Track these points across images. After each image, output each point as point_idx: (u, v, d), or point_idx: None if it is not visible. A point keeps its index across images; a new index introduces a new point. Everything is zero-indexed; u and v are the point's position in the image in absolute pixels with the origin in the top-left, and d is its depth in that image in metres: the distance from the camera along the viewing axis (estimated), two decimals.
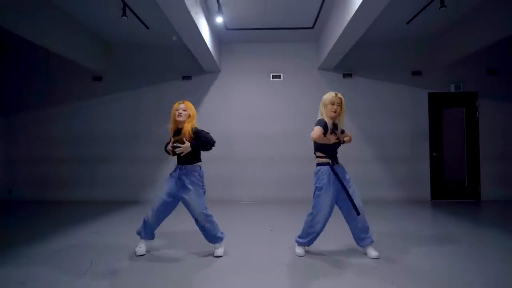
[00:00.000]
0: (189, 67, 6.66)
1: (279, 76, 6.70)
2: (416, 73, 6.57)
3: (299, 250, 3.25)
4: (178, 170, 3.25)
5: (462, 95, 6.52)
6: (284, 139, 6.54)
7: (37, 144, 6.77)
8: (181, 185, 3.19)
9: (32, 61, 6.79)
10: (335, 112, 3.11)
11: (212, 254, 3.24)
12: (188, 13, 4.13)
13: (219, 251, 3.24)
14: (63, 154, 6.72)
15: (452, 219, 4.87)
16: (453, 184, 6.51)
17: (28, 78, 6.83)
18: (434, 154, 6.49)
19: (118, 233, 4.15)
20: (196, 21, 4.48)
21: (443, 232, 4.11)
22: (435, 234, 4.02)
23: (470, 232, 4.12)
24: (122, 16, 4.97)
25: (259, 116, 6.63)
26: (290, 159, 6.52)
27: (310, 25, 5.91)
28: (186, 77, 6.70)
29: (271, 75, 6.70)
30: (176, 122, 3.28)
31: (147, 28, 5.86)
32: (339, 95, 3.15)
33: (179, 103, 3.29)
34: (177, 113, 3.23)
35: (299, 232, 3.30)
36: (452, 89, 6.50)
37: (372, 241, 3.16)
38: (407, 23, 5.72)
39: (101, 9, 5.26)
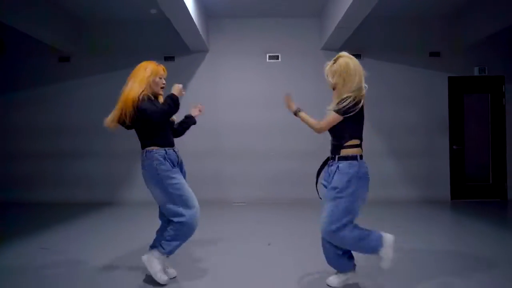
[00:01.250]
0: (172, 46, 5.76)
1: (277, 57, 5.84)
2: (434, 54, 5.77)
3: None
4: (175, 152, 2.40)
5: (487, 79, 5.75)
6: (282, 130, 5.67)
7: None
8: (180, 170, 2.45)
9: None
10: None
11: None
12: None
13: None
14: (24, 148, 5.80)
15: (476, 222, 4.24)
16: (476, 181, 5.78)
17: None
18: (454, 147, 5.71)
19: (77, 248, 3.27)
20: None
21: (467, 240, 3.48)
22: (456, 243, 3.45)
23: (500, 240, 3.43)
24: None
25: (253, 104, 5.75)
26: (288, 153, 5.71)
27: None
28: (169, 58, 5.78)
29: (267, 55, 5.84)
30: (154, 92, 2.39)
31: None
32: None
33: (163, 69, 2.45)
34: (161, 82, 2.40)
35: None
36: (476, 73, 5.73)
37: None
38: None
39: None
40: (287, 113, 5.53)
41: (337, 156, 2.17)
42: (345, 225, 2.04)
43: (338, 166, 2.13)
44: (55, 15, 5.20)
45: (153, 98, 2.34)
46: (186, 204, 2.25)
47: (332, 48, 5.72)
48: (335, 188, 2.09)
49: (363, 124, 2.24)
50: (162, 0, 3.99)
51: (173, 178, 2.27)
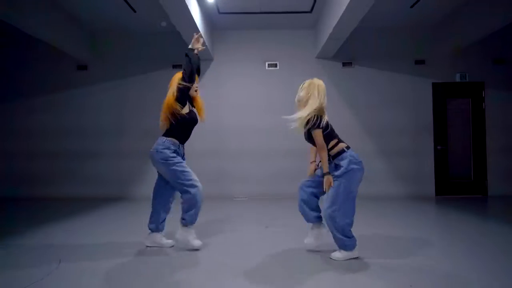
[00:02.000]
0: (180, 55, 6.13)
1: (275, 65, 6.33)
2: (420, 62, 6.25)
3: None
4: (181, 148, 3.01)
5: (468, 85, 6.19)
6: (280, 132, 6.07)
7: (15, 137, 6.35)
8: None
9: (11, 49, 6.36)
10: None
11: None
12: None
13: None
14: (44, 148, 6.31)
15: (458, 216, 4.56)
16: (459, 179, 6.19)
17: (5, 68, 6.40)
18: (438, 147, 6.15)
19: (95, 232, 3.73)
20: (186, 0, 4.11)
21: (451, 231, 3.83)
22: (442, 233, 3.76)
23: (479, 229, 3.77)
24: None
25: (253, 108, 6.26)
26: (286, 153, 6.15)
27: (308, 9, 5.55)
28: (177, 66, 6.31)
29: (266, 63, 6.34)
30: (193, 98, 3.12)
31: (134, 11, 5.47)
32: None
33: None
34: (195, 87, 3.09)
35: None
36: (457, 79, 6.18)
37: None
38: (411, 6, 5.37)
39: None
40: (284, 117, 6.10)
41: (330, 157, 2.67)
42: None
43: (334, 164, 2.66)
44: (74, 27, 5.77)
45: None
46: (190, 179, 2.80)
47: (326, 57, 6.24)
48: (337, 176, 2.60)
49: (333, 129, 2.74)
50: (173, 16, 4.54)
51: (176, 159, 2.85)
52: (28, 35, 5.05)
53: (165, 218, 3.06)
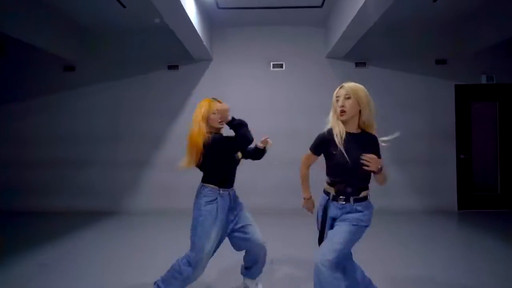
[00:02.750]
0: (176, 55, 5.72)
1: (281, 66, 5.76)
2: (441, 61, 5.64)
3: None
4: (229, 194, 2.46)
5: (495, 87, 5.59)
6: (285, 138, 5.56)
7: None
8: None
9: None
10: (343, 111, 2.07)
11: None
12: None
13: None
14: (27, 157, 5.80)
15: (484, 234, 4.13)
16: (484, 191, 5.60)
17: None
18: (461, 156, 5.57)
19: (76, 267, 3.23)
20: None
21: (476, 253, 3.42)
22: (464, 254, 3.37)
23: (508, 250, 3.38)
24: None
25: (256, 112, 5.66)
26: (292, 162, 5.54)
27: (319, 4, 4.96)
28: (172, 66, 5.76)
29: (271, 64, 5.76)
30: (215, 128, 2.43)
31: (124, 6, 4.91)
32: (346, 84, 2.13)
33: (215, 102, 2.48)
34: (217, 118, 2.39)
35: None
36: (483, 81, 5.58)
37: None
38: (434, 0, 4.76)
39: None
40: (290, 121, 5.56)
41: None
42: None
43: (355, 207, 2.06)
44: (59, 25, 5.22)
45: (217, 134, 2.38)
46: (193, 244, 2.23)
47: (337, 56, 5.66)
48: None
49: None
50: (165, 12, 3.97)
51: (205, 217, 2.24)
52: (3, 33, 4.52)
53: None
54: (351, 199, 2.03)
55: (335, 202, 2.07)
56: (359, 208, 2.02)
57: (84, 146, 5.76)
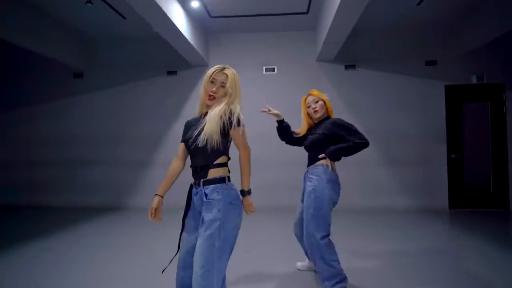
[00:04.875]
0: (174, 61, 6.08)
1: (273, 69, 6.01)
2: (431, 62, 5.71)
3: None
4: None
5: (486, 87, 5.60)
6: (278, 140, 5.75)
7: (11, 146, 6.42)
8: None
9: (6, 60, 6.41)
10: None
11: None
12: None
13: None
14: (40, 157, 6.31)
15: (476, 234, 4.11)
16: (476, 191, 5.59)
17: (2, 78, 6.48)
18: (452, 156, 5.61)
19: (77, 250, 3.60)
20: (161, 5, 3.86)
21: (467, 251, 3.44)
22: (456, 253, 3.34)
23: (499, 250, 3.39)
24: (86, 3, 4.47)
25: (250, 114, 5.70)
26: (283, 162, 5.80)
27: (304, 10, 5.19)
28: (171, 72, 6.14)
29: (264, 68, 6.02)
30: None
31: (124, 18, 5.32)
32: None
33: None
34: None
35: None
36: (474, 81, 5.61)
37: None
38: (418, 4, 4.87)
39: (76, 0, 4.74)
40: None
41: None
42: None
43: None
44: (68, 36, 5.70)
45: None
46: None
47: (327, 60, 5.84)
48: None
49: None
50: (154, 24, 4.33)
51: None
52: (19, 46, 5.01)
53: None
54: None
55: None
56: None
57: (89, 147, 6.21)
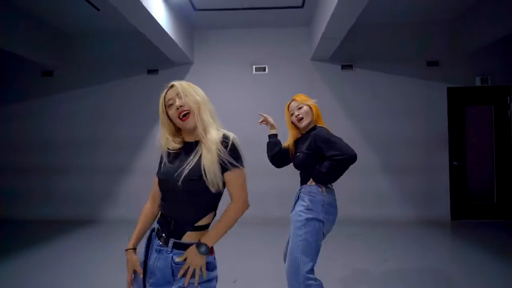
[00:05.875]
0: (155, 59, 5.54)
1: (264, 69, 5.53)
2: (432, 63, 5.35)
3: None
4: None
5: (490, 90, 5.29)
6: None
7: None
8: None
9: None
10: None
11: None
12: None
13: None
14: (8, 163, 5.68)
15: (479, 249, 3.85)
16: (479, 200, 5.28)
17: None
18: (454, 163, 5.27)
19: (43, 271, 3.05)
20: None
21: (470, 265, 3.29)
22: (459, 267, 3.21)
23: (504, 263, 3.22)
24: None
25: (239, 117, 5.38)
26: (276, 169, 5.34)
27: (299, 4, 4.73)
28: (152, 71, 5.60)
29: (253, 67, 5.54)
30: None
31: (97, 9, 4.75)
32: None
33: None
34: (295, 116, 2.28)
35: None
36: (478, 83, 5.27)
37: None
38: None
39: None
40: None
41: None
42: None
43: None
44: (34, 30, 5.08)
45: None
46: None
47: (322, 59, 5.43)
48: None
49: None
50: (130, 16, 3.80)
51: None
52: None
53: None
54: None
55: None
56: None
57: (63, 152, 5.62)
